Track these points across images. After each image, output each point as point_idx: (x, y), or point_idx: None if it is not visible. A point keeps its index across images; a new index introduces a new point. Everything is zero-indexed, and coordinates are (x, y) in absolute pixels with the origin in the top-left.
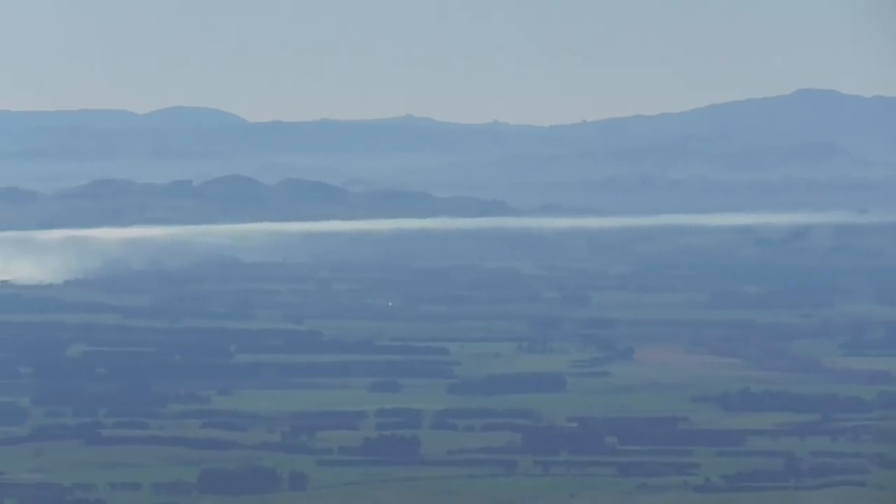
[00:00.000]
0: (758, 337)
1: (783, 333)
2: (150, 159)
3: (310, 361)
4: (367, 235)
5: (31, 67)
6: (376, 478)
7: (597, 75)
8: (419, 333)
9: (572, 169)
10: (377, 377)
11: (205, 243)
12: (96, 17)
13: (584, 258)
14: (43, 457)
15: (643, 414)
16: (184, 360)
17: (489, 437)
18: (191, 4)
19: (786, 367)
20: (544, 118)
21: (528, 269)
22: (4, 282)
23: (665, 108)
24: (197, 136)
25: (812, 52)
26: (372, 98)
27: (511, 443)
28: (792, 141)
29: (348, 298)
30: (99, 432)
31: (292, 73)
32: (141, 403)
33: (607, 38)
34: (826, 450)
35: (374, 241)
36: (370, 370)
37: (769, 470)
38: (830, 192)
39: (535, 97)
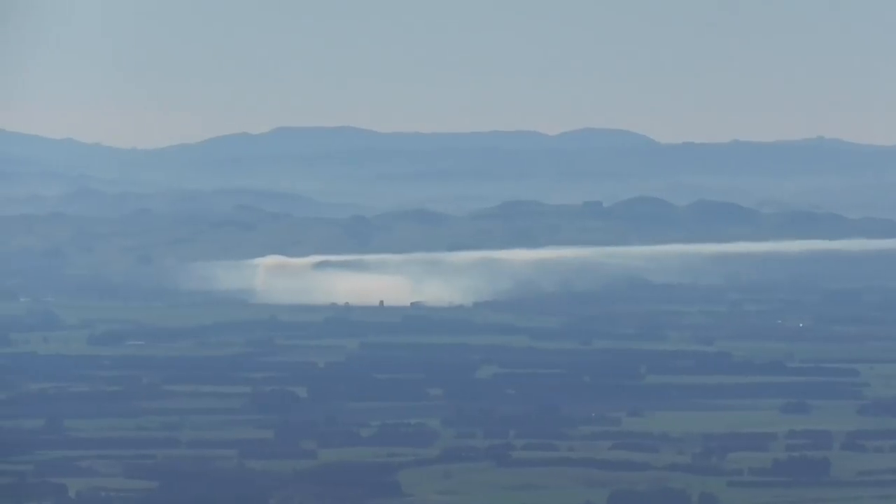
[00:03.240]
0: None
1: None
2: (560, 180)
3: (720, 382)
4: (778, 256)
5: (443, 90)
6: (786, 499)
7: None
8: (830, 355)
9: None
10: (787, 398)
11: (615, 264)
12: (506, 40)
13: None
14: (453, 479)
15: None
16: (594, 382)
17: None
18: (604, 27)
19: None
20: None
21: None
22: (415, 303)
23: None
24: (607, 157)
25: None
26: (784, 119)
27: None
28: None
29: (759, 319)
30: (509, 454)
31: (702, 95)
32: (551, 425)
33: None
34: None
35: (785, 262)
36: (780, 391)
37: None
38: None
39: None
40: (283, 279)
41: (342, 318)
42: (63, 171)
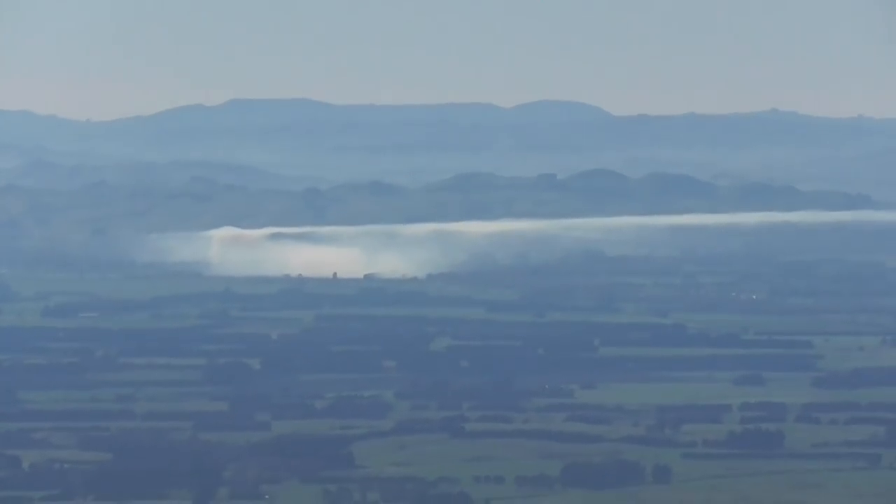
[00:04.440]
0: None
1: None
2: (516, 152)
3: (675, 355)
4: (732, 229)
5: (399, 62)
6: (741, 471)
7: None
8: (784, 327)
9: None
10: (742, 370)
11: (570, 237)
12: (462, 12)
13: None
14: (407, 450)
15: None
16: (548, 354)
17: (853, 431)
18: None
19: None
20: None
21: (893, 262)
22: (369, 275)
23: None
24: (562, 130)
25: None
26: (737, 91)
27: (875, 436)
28: None
29: (714, 292)
30: (463, 426)
31: (657, 67)
32: (505, 397)
33: None
34: None
35: (739, 234)
36: (735, 363)
37: None
38: None
39: None
40: (237, 251)
41: (296, 290)
42: (18, 143)
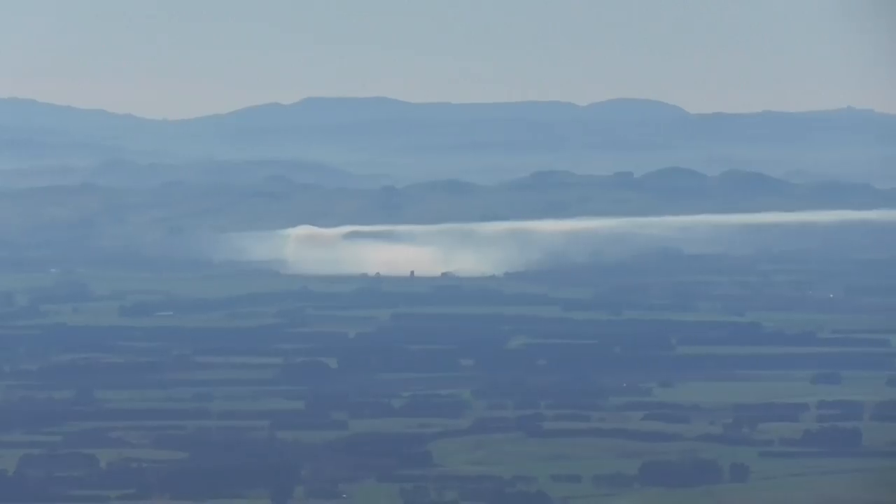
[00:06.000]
0: None
1: None
2: (592, 150)
3: (751, 353)
4: (808, 227)
5: (476, 60)
6: (817, 469)
7: None
8: (860, 325)
9: None
10: (818, 369)
11: (646, 235)
12: (540, 11)
13: None
14: (484, 449)
15: None
16: (625, 352)
17: None
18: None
19: None
20: None
21: None
22: (446, 274)
23: None
24: (638, 128)
25: None
26: (812, 88)
27: None
28: None
29: (789, 290)
30: (540, 425)
31: (734, 66)
32: (582, 395)
33: None
34: None
35: (815, 232)
36: (811, 362)
37: None
38: None
39: None
40: (313, 250)
41: (373, 289)
42: (94, 142)
